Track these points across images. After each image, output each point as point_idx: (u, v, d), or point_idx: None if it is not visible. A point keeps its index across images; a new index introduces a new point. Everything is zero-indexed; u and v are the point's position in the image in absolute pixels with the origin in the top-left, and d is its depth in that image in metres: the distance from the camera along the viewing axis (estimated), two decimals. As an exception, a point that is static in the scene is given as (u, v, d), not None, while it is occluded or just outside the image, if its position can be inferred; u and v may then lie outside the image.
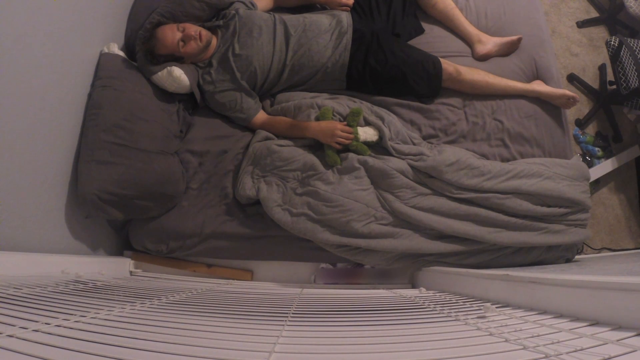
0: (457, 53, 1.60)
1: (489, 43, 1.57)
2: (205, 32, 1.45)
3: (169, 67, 1.41)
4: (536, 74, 1.56)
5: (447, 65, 1.48)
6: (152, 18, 1.48)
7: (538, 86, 1.50)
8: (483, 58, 1.58)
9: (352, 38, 1.49)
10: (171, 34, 1.41)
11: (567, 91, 1.47)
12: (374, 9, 1.60)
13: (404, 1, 1.63)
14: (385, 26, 1.59)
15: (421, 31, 1.65)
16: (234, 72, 1.48)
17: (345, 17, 1.52)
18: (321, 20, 1.51)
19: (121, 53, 1.46)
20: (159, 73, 1.41)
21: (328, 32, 1.49)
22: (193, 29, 1.42)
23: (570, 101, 1.48)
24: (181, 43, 1.41)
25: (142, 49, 1.42)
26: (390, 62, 1.47)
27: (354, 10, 1.59)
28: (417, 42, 1.62)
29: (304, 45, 1.47)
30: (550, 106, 1.50)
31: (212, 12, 1.55)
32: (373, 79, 1.50)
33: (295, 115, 1.48)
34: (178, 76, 1.42)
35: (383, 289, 1.32)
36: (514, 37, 1.56)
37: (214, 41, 1.49)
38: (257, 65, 1.47)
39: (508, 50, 1.58)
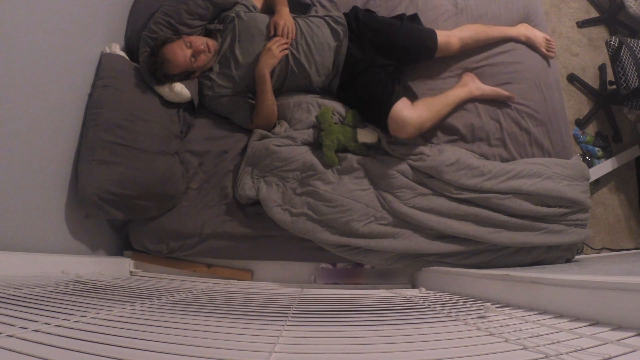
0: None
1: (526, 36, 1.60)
2: (211, 42, 1.45)
3: (169, 84, 1.43)
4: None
5: (409, 111, 1.34)
6: (151, 32, 1.46)
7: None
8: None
9: (345, 60, 1.46)
10: (182, 52, 1.38)
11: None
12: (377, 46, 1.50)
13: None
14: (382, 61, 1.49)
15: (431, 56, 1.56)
16: (235, 79, 1.48)
17: (343, 36, 1.48)
18: (321, 31, 1.49)
19: (123, 54, 1.46)
20: (161, 88, 1.43)
21: (330, 50, 1.47)
22: (200, 41, 1.41)
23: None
24: (192, 59, 1.41)
25: (153, 74, 1.40)
26: (356, 91, 1.44)
27: (354, 36, 1.50)
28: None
29: (308, 55, 1.46)
30: (550, 106, 1.50)
31: (216, 12, 1.54)
32: (346, 101, 1.50)
33: (294, 111, 1.48)
34: (179, 91, 1.43)
35: (383, 289, 1.32)
36: (539, 39, 1.59)
37: (216, 46, 1.49)
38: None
39: None
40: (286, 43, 1.43)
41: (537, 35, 1.58)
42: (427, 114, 1.36)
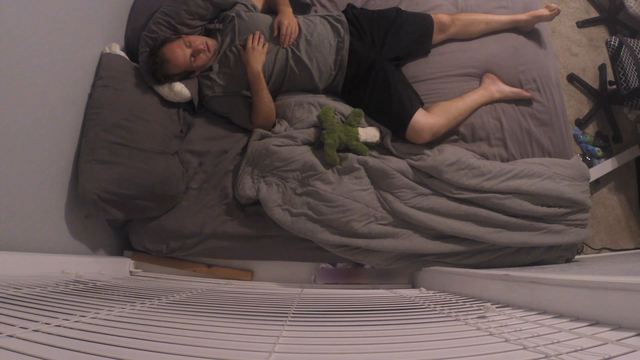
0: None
1: (528, 27, 1.61)
2: (211, 41, 1.45)
3: (169, 83, 1.43)
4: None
5: (426, 118, 1.37)
6: (151, 32, 1.46)
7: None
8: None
9: (349, 58, 1.47)
10: (181, 52, 1.39)
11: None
12: (377, 37, 1.53)
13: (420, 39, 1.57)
14: (387, 54, 1.51)
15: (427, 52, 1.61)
16: (233, 78, 1.48)
17: (344, 32, 1.49)
18: (322, 29, 1.49)
19: (123, 54, 1.46)
20: (160, 88, 1.43)
21: (330, 47, 1.47)
22: (199, 40, 1.41)
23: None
24: (192, 58, 1.41)
25: (153, 74, 1.40)
26: (367, 95, 1.44)
27: (355, 31, 1.52)
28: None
29: (309, 53, 1.46)
30: (551, 106, 1.50)
31: (216, 12, 1.54)
32: (353, 100, 1.51)
33: (295, 110, 1.48)
34: (179, 90, 1.43)
35: (383, 289, 1.32)
36: (540, 10, 1.60)
37: (216, 46, 1.49)
38: None
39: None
40: (257, 41, 1.44)
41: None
42: (443, 120, 1.38)
